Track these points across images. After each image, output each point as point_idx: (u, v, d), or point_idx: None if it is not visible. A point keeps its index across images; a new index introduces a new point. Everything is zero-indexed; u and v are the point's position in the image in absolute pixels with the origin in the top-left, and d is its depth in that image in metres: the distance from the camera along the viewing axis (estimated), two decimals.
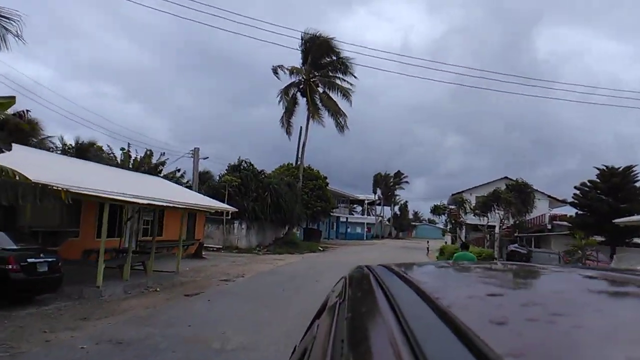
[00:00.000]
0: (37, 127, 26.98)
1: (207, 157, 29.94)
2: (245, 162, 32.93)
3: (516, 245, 27.51)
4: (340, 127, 35.38)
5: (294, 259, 25.49)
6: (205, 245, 27.60)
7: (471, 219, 36.85)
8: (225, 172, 32.20)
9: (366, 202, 75.42)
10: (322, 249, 34.68)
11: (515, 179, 37.29)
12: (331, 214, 51.27)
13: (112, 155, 28.99)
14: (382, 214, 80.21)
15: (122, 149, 29.16)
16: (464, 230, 42.96)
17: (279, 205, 31.04)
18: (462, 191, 43.55)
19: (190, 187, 29.36)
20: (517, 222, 36.29)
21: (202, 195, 25.36)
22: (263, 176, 32.52)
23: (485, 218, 36.44)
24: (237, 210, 26.18)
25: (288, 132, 35.52)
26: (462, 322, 0.52)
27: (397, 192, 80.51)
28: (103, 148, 29.58)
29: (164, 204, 14.05)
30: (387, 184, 76.78)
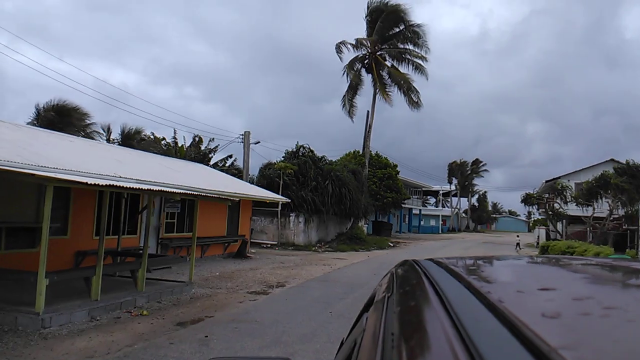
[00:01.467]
0: (79, 113, 24.56)
1: (259, 142, 26.17)
2: (304, 147, 28.84)
3: None
4: (413, 103, 30.23)
5: (358, 257, 21.02)
6: (257, 241, 23.86)
7: (572, 209, 30.32)
8: (282, 159, 28.30)
9: (441, 192, 69.13)
10: (392, 245, 29.87)
11: (625, 161, 30.26)
12: (403, 205, 46.12)
13: (156, 143, 26.05)
14: (458, 206, 73.40)
15: (162, 137, 26.10)
16: (562, 223, 36.23)
17: (342, 195, 26.63)
18: (558, 177, 36.68)
19: (240, 176, 25.77)
20: (629, 212, 29.30)
21: (249, 185, 21.54)
22: (324, 163, 28.26)
23: (590, 208, 29.83)
24: (289, 200, 22.11)
25: (351, 114, 30.95)
26: (513, 315, 0.51)
27: (475, 181, 73.23)
28: (149, 136, 26.81)
29: (181, 191, 10.20)
30: (464, 173, 69.81)
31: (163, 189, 9.74)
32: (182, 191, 9.94)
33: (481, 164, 72.43)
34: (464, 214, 76.25)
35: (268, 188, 25.30)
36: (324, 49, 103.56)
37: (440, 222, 66.66)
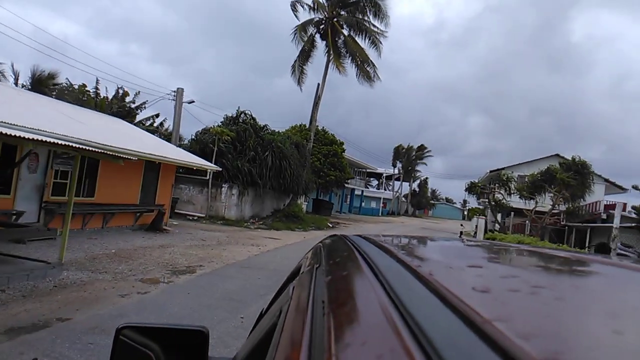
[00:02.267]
0: None
1: (193, 101, 23.08)
2: (245, 114, 26.08)
3: (620, 245, 20.49)
4: (367, 76, 28.05)
5: (292, 238, 18.87)
6: (182, 212, 21.12)
7: (514, 201, 29.69)
8: (220, 125, 25.40)
9: (384, 175, 68.34)
10: (331, 226, 28.00)
11: (571, 157, 29.90)
12: (345, 185, 44.48)
13: (72, 92, 22.33)
14: (399, 190, 73.15)
15: (83, 84, 22.40)
16: (499, 214, 35.86)
17: (283, 168, 24.26)
18: (503, 168, 36.18)
19: (169, 139, 22.74)
20: (571, 208, 29.07)
21: (172, 146, 18.68)
22: (265, 132, 25.69)
23: (533, 201, 29.31)
24: (219, 169, 19.50)
25: (300, 82, 28.39)
26: (444, 287, 0.52)
27: (418, 167, 73.08)
28: (66, 83, 22.96)
29: (81, 146, 7.46)
30: (409, 157, 69.33)
31: (33, 136, 6.97)
32: (57, 141, 7.21)
33: (426, 150, 72.26)
34: (404, 198, 76.20)
35: (201, 155, 22.53)
36: (280, 18, 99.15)
37: (381, 204, 66.03)
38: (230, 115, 26.10)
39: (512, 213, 32.02)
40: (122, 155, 8.34)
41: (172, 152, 15.76)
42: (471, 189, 29.91)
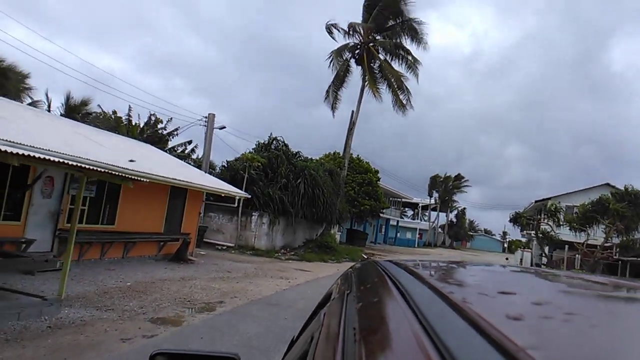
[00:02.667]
0: (15, 73, 20.58)
1: (224, 127, 22.51)
2: (278, 140, 25.37)
3: None
4: (401, 105, 26.98)
5: (325, 270, 17.60)
6: (211, 241, 20.26)
7: (564, 234, 27.47)
8: (251, 152, 24.74)
9: (420, 205, 66.28)
10: (365, 257, 26.60)
11: (624, 187, 27.65)
12: (380, 215, 42.98)
13: (105, 119, 22.18)
14: (436, 220, 70.71)
15: (114, 111, 22.22)
16: (546, 247, 33.50)
17: (316, 197, 23.20)
18: (549, 198, 33.97)
19: (199, 166, 22.15)
20: (626, 240, 26.63)
21: (198, 171, 17.97)
22: (298, 159, 24.83)
23: (583, 233, 27.07)
24: (248, 195, 18.59)
25: (334, 107, 27.56)
26: (478, 315, 0.52)
27: (455, 197, 70.69)
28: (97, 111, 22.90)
29: (100, 169, 6.64)
30: (446, 187, 67.17)
31: (42, 156, 6.17)
32: (67, 161, 6.39)
33: (463, 180, 69.97)
34: (440, 229, 73.60)
35: (232, 182, 21.82)
36: (316, 49, 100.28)
37: (417, 235, 63.80)
38: (263, 142, 25.46)
39: (567, 246, 29.55)
40: (133, 177, 7.47)
41: (197, 178, 14.98)
42: (516, 219, 27.95)
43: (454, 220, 76.07)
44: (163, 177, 11.35)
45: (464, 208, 77.80)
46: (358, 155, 40.12)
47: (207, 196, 21.57)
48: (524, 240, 44.27)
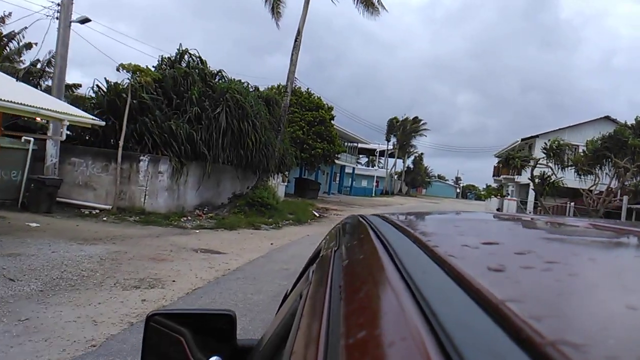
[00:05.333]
0: None
1: (88, 20, 14.04)
2: (191, 55, 17.31)
3: None
4: (370, 4, 19.37)
5: (250, 247, 10.48)
6: (75, 202, 12.65)
7: (567, 179, 21.56)
8: (152, 68, 16.58)
9: (378, 151, 60.06)
10: (317, 215, 19.64)
11: (635, 118, 21.85)
12: (335, 160, 36.14)
13: None
14: (394, 167, 64.98)
15: None
16: (510, 191, 27.95)
17: (244, 133, 15.75)
18: (536, 135, 28.10)
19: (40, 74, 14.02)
20: (637, 184, 21.08)
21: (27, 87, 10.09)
22: (217, 80, 17.03)
23: (590, 177, 21.32)
24: (100, 123, 11.05)
25: (275, 12, 19.55)
26: (459, 269, 0.52)
27: (415, 141, 64.85)
28: None
29: None
30: (404, 130, 60.95)
31: None
32: None
33: (422, 123, 64.04)
34: (396, 177, 68.20)
35: (113, 112, 14.09)
36: None
37: (374, 183, 57.97)
38: (168, 56, 17.31)
39: (567, 198, 23.65)
40: None
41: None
42: (507, 161, 21.69)
43: (411, 166, 70.87)
44: None
45: (422, 153, 72.64)
46: (308, 89, 32.56)
47: (71, 132, 13.68)
48: (495, 186, 38.82)
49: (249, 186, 17.29)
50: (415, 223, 1.25)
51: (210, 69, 17.39)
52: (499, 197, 31.47)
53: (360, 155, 64.48)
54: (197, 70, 16.72)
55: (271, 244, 11.14)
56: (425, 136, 64.76)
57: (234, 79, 17.39)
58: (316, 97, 31.54)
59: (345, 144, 44.84)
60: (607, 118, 26.73)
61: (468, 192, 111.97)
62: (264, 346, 1.12)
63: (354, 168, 50.13)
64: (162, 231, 11.44)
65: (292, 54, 18.04)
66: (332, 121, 31.62)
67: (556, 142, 20.56)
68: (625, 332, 0.36)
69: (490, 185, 46.02)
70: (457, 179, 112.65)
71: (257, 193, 15.98)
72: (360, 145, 51.04)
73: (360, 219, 1.29)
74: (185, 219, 13.91)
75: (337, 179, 47.67)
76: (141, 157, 13.55)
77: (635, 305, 0.41)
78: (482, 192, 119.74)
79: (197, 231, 12.09)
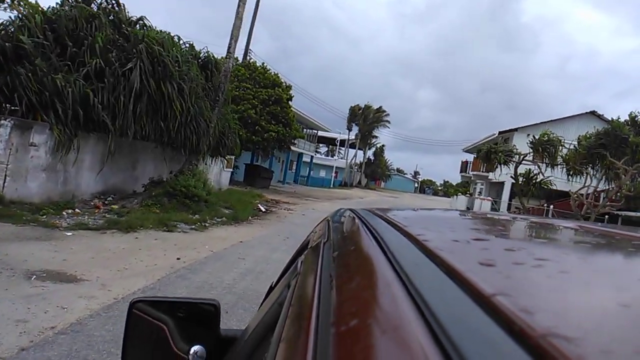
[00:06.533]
0: None
1: None
2: None
3: None
4: None
5: (133, 271, 6.60)
6: None
7: (554, 178, 18.69)
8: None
9: (338, 140, 56.61)
10: (264, 210, 15.77)
11: (629, 115, 19.31)
12: (292, 147, 32.36)
13: None
14: (354, 158, 61.81)
15: None
16: (479, 189, 25.27)
17: (166, 99, 11.70)
18: (514, 129, 25.31)
19: None
20: (630, 188, 18.50)
21: None
22: (137, 29, 12.77)
23: (579, 177, 18.61)
24: None
25: None
26: (450, 262, 0.52)
27: (377, 132, 61.78)
28: None
29: None
30: (366, 118, 57.66)
31: None
32: None
33: (385, 113, 61.06)
34: (356, 168, 65.14)
35: None
36: None
37: (333, 174, 54.61)
38: None
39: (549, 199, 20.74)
40: None
41: None
42: (488, 156, 18.57)
43: (372, 158, 68.02)
44: None
45: (383, 145, 69.88)
46: (264, 64, 28.49)
47: None
48: (454, 183, 36.07)
49: (172, 171, 13.18)
50: (406, 218, 1.19)
51: (129, 15, 13.11)
52: (467, 194, 28.62)
53: (320, 145, 60.98)
54: (109, 13, 12.45)
55: (177, 259, 7.24)
56: (388, 127, 61.89)
57: (162, 31, 13.18)
58: (273, 74, 27.52)
59: (304, 130, 41.11)
60: (593, 113, 24.32)
61: (426, 187, 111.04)
62: (249, 335, 1.12)
63: (312, 157, 46.46)
64: (7, 233, 7.32)
65: (238, 5, 13.97)
66: (289, 102, 27.70)
67: (545, 136, 17.59)
68: (616, 326, 0.36)
69: (447, 181, 43.60)
70: (416, 173, 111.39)
71: (180, 180, 11.93)
72: (320, 133, 47.39)
73: (351, 212, 1.28)
74: (69, 212, 9.78)
75: (294, 167, 43.93)
76: (2, 121, 9.23)
77: (626, 302, 0.42)
78: (440, 188, 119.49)
79: (70, 233, 8.00)
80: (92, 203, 11.24)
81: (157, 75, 11.44)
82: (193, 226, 10.40)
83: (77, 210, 10.22)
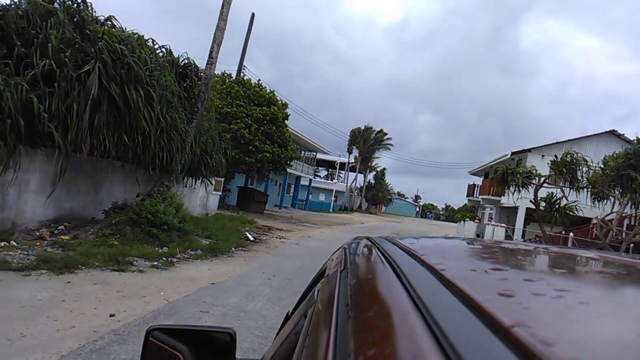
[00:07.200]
0: None
1: None
2: None
3: None
4: None
5: (27, 346, 4.65)
6: None
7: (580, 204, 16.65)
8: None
9: (338, 163, 54.76)
10: (252, 239, 13.69)
11: None
12: (288, 169, 30.39)
13: None
14: (354, 181, 59.80)
15: None
16: (488, 214, 23.19)
17: (132, 108, 9.78)
18: (528, 149, 23.40)
19: None
20: None
21: None
22: (97, 25, 10.95)
23: (604, 202, 16.57)
24: None
25: None
26: (468, 292, 0.52)
27: (378, 154, 59.94)
28: None
29: None
30: (367, 140, 55.87)
31: None
32: None
33: (386, 136, 59.38)
34: (356, 192, 63.09)
35: None
36: None
37: (332, 198, 52.55)
38: None
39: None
40: None
41: None
42: (504, 178, 16.54)
43: (373, 182, 66.05)
44: None
45: (384, 169, 68.00)
46: (259, 81, 26.77)
47: None
48: (471, 207, 33.97)
49: (137, 195, 11.12)
50: (423, 247, 1.15)
51: (96, 14, 11.32)
52: (476, 220, 26.51)
53: (319, 168, 59.13)
54: (72, 12, 10.66)
55: (111, 316, 5.16)
56: (389, 149, 60.05)
57: (132, 33, 11.34)
58: (268, 91, 25.81)
59: (303, 152, 39.27)
60: (612, 133, 22.55)
61: (427, 212, 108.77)
62: None
63: (310, 180, 44.47)
64: None
65: (222, 5, 12.20)
66: (285, 121, 25.89)
67: (569, 155, 15.62)
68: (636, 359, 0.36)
69: (449, 205, 41.48)
70: (417, 197, 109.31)
71: (146, 206, 9.86)
72: (319, 156, 45.58)
73: (367, 240, 1.26)
74: (1, 245, 7.74)
75: (292, 191, 41.91)
76: None
77: None
78: (441, 212, 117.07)
79: None
80: (38, 233, 9.20)
81: (120, 80, 9.54)
82: (155, 262, 8.30)
83: (12, 242, 8.18)
